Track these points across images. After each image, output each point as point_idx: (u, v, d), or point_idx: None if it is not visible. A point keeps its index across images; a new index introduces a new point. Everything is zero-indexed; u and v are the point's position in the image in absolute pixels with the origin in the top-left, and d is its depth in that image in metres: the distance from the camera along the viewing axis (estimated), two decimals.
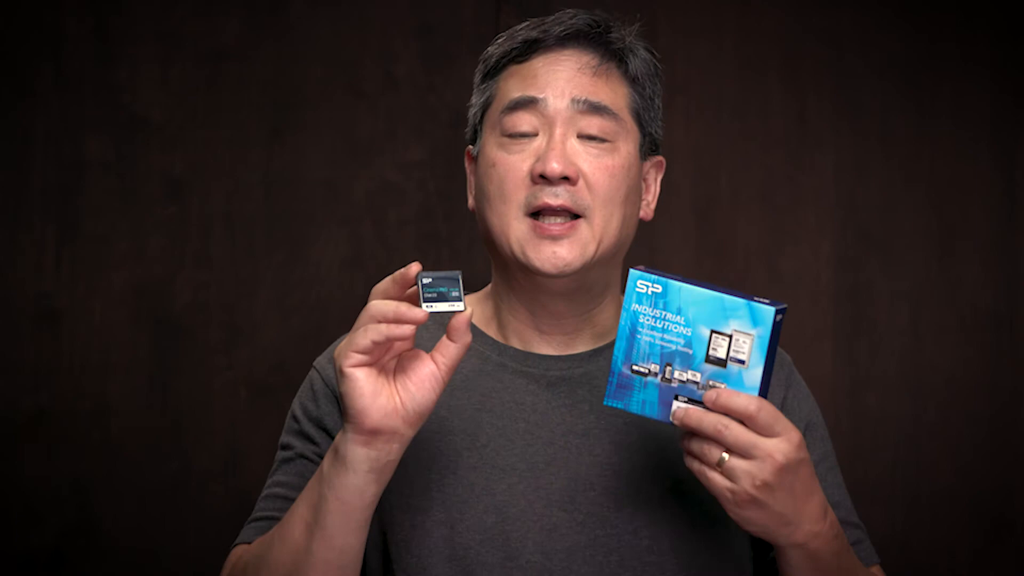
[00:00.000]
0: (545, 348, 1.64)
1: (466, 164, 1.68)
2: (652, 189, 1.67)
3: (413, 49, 2.79)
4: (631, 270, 1.43)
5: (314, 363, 1.68)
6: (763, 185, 2.82)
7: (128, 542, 2.72)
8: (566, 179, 1.56)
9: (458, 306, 1.38)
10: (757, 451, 1.37)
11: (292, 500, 1.58)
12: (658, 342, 1.42)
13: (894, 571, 2.89)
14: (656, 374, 1.42)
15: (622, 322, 1.43)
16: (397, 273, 1.39)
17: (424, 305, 1.37)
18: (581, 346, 1.65)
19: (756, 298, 1.41)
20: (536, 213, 1.57)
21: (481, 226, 1.63)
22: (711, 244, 2.81)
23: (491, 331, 1.66)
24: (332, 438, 1.60)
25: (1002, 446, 2.80)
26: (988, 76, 2.81)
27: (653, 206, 1.68)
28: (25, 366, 2.72)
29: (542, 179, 1.56)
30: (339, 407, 1.58)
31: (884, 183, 2.81)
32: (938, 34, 2.81)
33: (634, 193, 1.62)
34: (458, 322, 1.40)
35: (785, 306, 1.42)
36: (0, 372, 2.71)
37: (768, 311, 1.39)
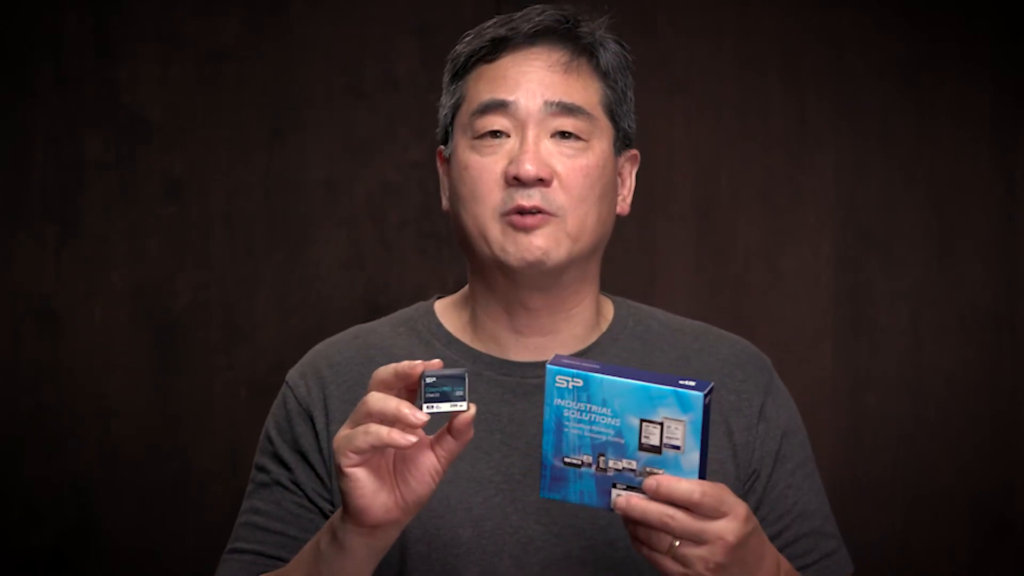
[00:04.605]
0: (522, 353, 1.61)
1: (438, 165, 1.68)
2: (628, 183, 1.65)
3: (413, 49, 2.79)
4: (548, 365, 1.39)
5: (287, 378, 1.65)
6: (763, 185, 2.81)
7: (128, 542, 2.72)
8: (540, 181, 1.54)
9: (461, 406, 1.35)
10: (706, 535, 1.35)
11: (269, 531, 1.58)
12: (587, 434, 1.38)
13: (894, 571, 2.90)
14: (590, 464, 1.38)
15: (546, 416, 1.39)
16: (402, 366, 1.36)
17: (424, 406, 1.34)
18: (558, 350, 1.62)
19: (681, 382, 1.36)
20: (509, 215, 1.56)
21: (455, 227, 1.62)
22: (711, 244, 2.81)
23: (466, 338, 1.64)
24: (306, 460, 1.59)
25: (1002, 446, 2.80)
26: (988, 76, 2.81)
27: (629, 200, 1.66)
28: (25, 366, 2.72)
29: (516, 181, 1.55)
30: (313, 428, 1.59)
31: (884, 183, 2.81)
32: (938, 34, 2.81)
33: (610, 190, 1.60)
34: (461, 422, 1.37)
35: (712, 384, 1.37)
36: (0, 372, 2.71)
37: (696, 396, 1.35)
